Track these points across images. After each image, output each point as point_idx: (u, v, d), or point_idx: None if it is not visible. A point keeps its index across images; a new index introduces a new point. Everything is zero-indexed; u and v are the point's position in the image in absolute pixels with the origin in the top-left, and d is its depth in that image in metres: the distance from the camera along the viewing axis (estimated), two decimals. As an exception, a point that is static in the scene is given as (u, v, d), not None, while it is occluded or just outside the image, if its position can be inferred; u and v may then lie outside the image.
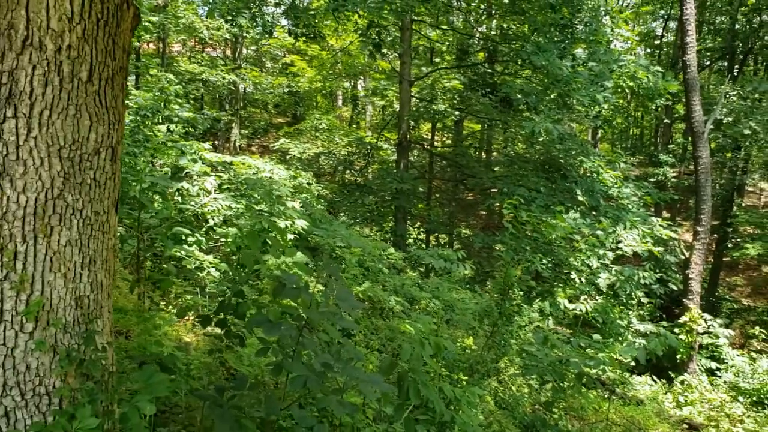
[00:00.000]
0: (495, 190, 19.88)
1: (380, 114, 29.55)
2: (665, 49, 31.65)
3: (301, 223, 9.29)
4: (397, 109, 19.34)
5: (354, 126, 28.49)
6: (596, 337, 9.14)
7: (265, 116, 31.86)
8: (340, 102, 29.73)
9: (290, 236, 9.29)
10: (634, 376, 11.87)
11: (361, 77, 27.33)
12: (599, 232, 10.37)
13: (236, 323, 3.98)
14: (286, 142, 22.17)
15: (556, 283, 11.85)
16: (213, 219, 9.56)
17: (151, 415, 2.85)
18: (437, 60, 20.63)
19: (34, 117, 2.44)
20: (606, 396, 10.29)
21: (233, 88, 24.73)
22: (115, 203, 2.79)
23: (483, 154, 28.82)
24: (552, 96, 12.40)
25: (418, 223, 21.79)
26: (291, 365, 3.47)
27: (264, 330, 3.48)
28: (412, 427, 4.36)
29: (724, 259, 24.26)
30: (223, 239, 9.29)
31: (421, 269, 13.74)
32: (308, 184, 13.30)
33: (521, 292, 9.52)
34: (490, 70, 18.63)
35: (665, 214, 24.45)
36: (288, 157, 21.87)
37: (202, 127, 19.78)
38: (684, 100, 16.98)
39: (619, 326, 11.94)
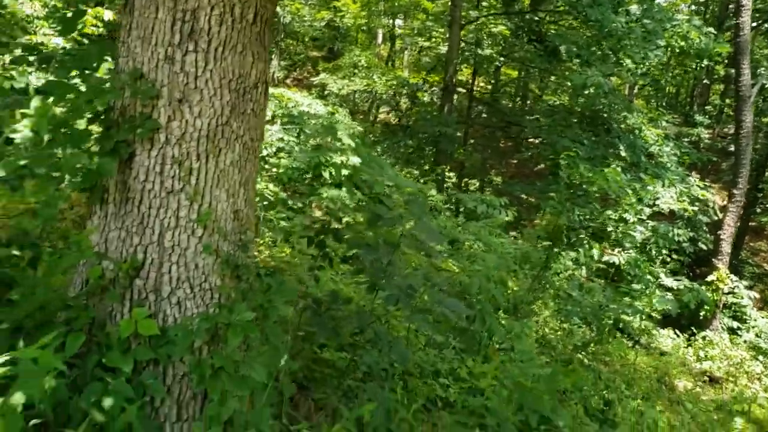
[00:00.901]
0: (532, 139, 20.09)
1: (417, 54, 29.37)
2: (710, 7, 30.95)
3: (355, 160, 9.64)
4: (442, 52, 19.38)
5: (390, 65, 28.41)
6: (635, 287, 9.55)
7: (301, 49, 31.79)
8: (379, 39, 29.53)
9: (344, 172, 9.65)
10: (657, 328, 12.33)
11: (401, 16, 27.11)
12: (650, 188, 10.66)
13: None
14: (325, 77, 22.30)
15: (583, 237, 12.18)
16: (266, 149, 9.97)
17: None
18: (484, 4, 20.50)
19: (210, 52, 2.81)
20: (631, 345, 10.77)
21: (275, 19, 24.71)
22: (263, 133, 3.17)
23: (518, 101, 28.77)
24: (603, 50, 12.48)
25: (448, 167, 22.00)
26: (385, 284, 3.91)
27: (363, 252, 3.91)
28: (473, 344, 4.82)
29: (750, 223, 24.36)
30: (275, 169, 9.71)
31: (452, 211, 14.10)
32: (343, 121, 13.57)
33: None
34: (536, 18, 18.54)
35: (695, 174, 24.47)
36: (326, 92, 22.04)
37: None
38: (726, 61, 16.89)
39: (647, 280, 12.32)
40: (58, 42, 10.92)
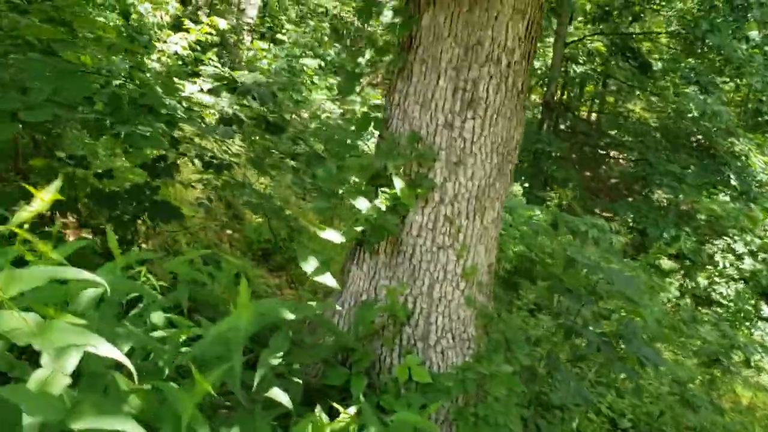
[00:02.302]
0: (616, 154, 19.85)
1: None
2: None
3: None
4: (535, 66, 19.31)
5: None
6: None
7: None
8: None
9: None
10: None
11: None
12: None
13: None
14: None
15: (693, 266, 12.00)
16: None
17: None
18: (580, 19, 20.33)
19: (486, 119, 3.00)
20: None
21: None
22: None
23: (593, 116, 28.38)
24: (722, 77, 12.30)
25: (568, 192, 21.55)
26: (587, 332, 4.04)
27: (566, 297, 4.07)
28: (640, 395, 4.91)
29: None
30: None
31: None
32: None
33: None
34: (633, 34, 18.32)
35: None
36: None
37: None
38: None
39: (748, 311, 12.08)
40: (177, 49, 11.43)
